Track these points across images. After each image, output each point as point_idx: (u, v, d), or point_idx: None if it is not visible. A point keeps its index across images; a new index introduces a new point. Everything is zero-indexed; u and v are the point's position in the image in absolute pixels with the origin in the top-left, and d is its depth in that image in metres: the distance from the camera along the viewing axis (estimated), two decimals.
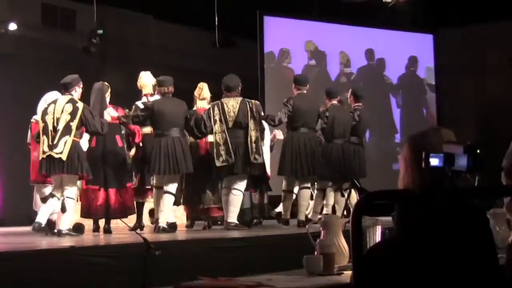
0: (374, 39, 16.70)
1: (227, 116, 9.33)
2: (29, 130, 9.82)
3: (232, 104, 9.39)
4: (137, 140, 9.81)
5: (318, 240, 3.99)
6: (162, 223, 9.10)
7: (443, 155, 2.81)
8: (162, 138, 9.18)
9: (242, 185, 9.46)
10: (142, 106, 9.59)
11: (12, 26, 15.05)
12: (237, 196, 9.39)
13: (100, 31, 14.16)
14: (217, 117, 9.32)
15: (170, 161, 9.06)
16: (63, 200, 8.71)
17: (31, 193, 13.44)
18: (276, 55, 15.88)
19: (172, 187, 9.25)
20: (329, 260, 3.84)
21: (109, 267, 6.01)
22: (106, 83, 9.96)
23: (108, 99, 9.80)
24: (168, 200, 9.19)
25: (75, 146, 8.72)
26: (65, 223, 8.70)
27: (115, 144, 9.69)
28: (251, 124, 9.38)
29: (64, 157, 8.56)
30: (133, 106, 9.86)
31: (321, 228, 4.22)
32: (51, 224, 9.12)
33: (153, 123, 9.40)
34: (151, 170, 9.26)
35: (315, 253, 3.94)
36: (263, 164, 9.71)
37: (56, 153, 8.57)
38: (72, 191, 8.85)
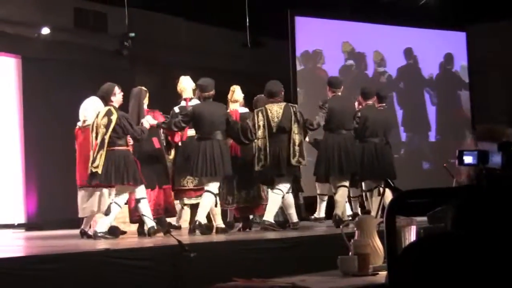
0: (407, 38, 16.63)
1: (271, 122, 9.55)
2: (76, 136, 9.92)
3: (276, 109, 9.60)
4: (176, 139, 9.90)
5: (352, 241, 3.98)
6: (199, 218, 9.16)
7: (477, 152, 2.79)
8: (202, 141, 9.33)
9: (284, 186, 9.59)
10: (178, 111, 9.63)
11: (45, 30, 15.18)
12: (277, 195, 9.54)
13: (132, 34, 14.25)
14: (261, 123, 9.54)
15: (209, 164, 9.18)
16: (110, 203, 8.97)
17: (63, 197, 13.60)
18: (308, 56, 15.81)
19: (213, 186, 9.32)
20: (363, 260, 3.83)
21: (144, 270, 6.03)
22: (143, 87, 10.05)
23: (146, 103, 9.90)
24: (207, 198, 9.26)
25: (119, 156, 8.94)
26: (102, 226, 8.81)
27: (152, 145, 9.80)
28: (295, 128, 9.57)
29: (99, 170, 8.75)
30: (171, 112, 9.96)
31: (355, 228, 4.20)
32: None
33: (194, 126, 9.54)
34: (192, 172, 9.39)
35: (350, 253, 3.93)
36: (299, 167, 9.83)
37: (94, 167, 8.79)
38: (122, 199, 9.06)
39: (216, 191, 9.35)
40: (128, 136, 9.12)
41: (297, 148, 9.50)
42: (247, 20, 14.48)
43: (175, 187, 9.94)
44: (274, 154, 9.48)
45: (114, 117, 8.97)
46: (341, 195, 10.09)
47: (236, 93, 10.34)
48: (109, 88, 9.26)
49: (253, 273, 4.68)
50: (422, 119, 16.79)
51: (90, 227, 9.69)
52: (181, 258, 5.49)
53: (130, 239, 9.19)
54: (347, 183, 10.20)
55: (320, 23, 15.98)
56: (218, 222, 9.56)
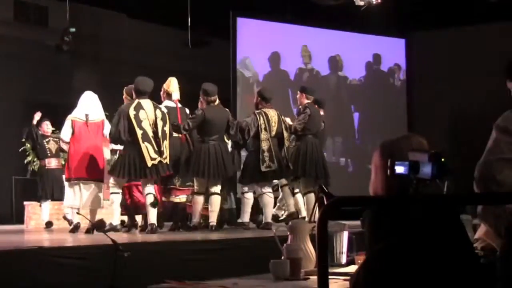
0: (341, 42, 16.80)
1: (271, 126, 9.95)
2: (70, 128, 9.71)
3: (272, 114, 10.04)
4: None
5: (285, 245, 4.00)
6: (214, 222, 9.51)
7: (408, 163, 2.83)
8: (207, 144, 9.58)
9: (270, 188, 10.13)
10: (166, 110, 9.61)
11: None
12: (271, 198, 10.06)
13: (73, 29, 14.09)
14: (262, 126, 9.88)
15: (217, 166, 9.52)
16: (154, 196, 9.15)
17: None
18: (249, 58, 15.84)
19: (218, 188, 9.69)
20: (296, 265, 3.84)
21: (77, 268, 5.99)
22: None
23: None
24: (217, 200, 9.61)
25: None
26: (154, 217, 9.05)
27: (180, 140, 10.00)
28: (286, 134, 10.13)
29: (168, 161, 9.12)
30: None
31: (288, 233, 4.23)
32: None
33: (199, 129, 9.66)
34: (199, 174, 9.52)
35: (282, 257, 3.94)
36: None
37: (164, 158, 9.02)
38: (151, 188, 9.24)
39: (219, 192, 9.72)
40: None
41: (285, 153, 10.11)
42: (189, 19, 14.42)
43: (168, 185, 10.00)
44: (277, 157, 9.92)
45: (164, 110, 9.32)
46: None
47: (172, 84, 10.29)
48: (150, 82, 9.32)
49: (187, 274, 4.69)
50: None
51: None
52: (115, 257, 5.46)
53: (65, 236, 9.13)
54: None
55: (259, 25, 16.03)
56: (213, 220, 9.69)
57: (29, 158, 13.27)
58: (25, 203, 13.13)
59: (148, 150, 8.95)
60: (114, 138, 9.12)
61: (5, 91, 15.36)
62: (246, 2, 15.09)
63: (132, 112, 8.98)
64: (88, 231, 9.20)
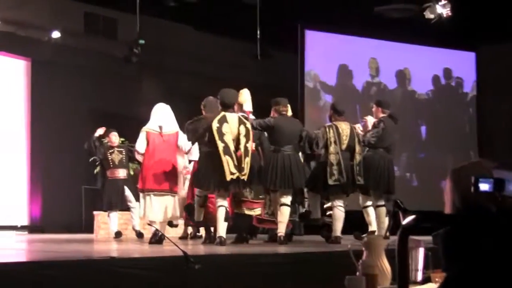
0: (415, 55, 16.68)
1: (341, 139, 9.85)
2: (145, 139, 9.79)
3: (343, 127, 9.92)
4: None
5: (361, 261, 3.95)
6: (282, 233, 9.38)
7: (493, 180, 2.78)
8: (278, 153, 9.58)
9: (342, 202, 9.99)
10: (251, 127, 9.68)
11: (55, 34, 15.24)
12: (342, 212, 9.88)
13: (142, 41, 14.21)
14: (332, 139, 9.79)
15: (285, 176, 9.50)
16: (226, 209, 9.06)
17: (67, 200, 13.55)
18: (317, 71, 15.83)
19: (288, 200, 9.58)
20: (371, 281, 3.80)
21: (147, 280, 6.00)
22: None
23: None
24: (286, 211, 9.52)
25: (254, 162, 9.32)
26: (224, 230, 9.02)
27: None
28: (358, 148, 9.96)
29: (246, 178, 8.97)
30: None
31: (363, 248, 4.18)
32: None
33: (271, 139, 9.71)
34: (268, 184, 9.56)
35: (357, 273, 3.90)
36: None
37: (242, 175, 8.92)
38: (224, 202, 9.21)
39: (289, 203, 9.63)
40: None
41: (357, 167, 9.92)
42: (258, 31, 14.44)
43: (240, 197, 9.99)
44: (346, 170, 9.80)
45: (249, 126, 9.16)
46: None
47: (244, 95, 10.31)
48: (235, 94, 9.34)
49: None
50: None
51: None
52: (186, 269, 5.46)
53: (134, 247, 9.18)
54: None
55: (328, 37, 16.01)
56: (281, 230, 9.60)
57: (98, 168, 13.41)
58: (94, 212, 13.30)
59: (228, 164, 8.87)
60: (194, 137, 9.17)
61: (74, 102, 15.60)
62: (314, 14, 15.06)
63: (215, 125, 8.88)
64: (158, 242, 9.24)
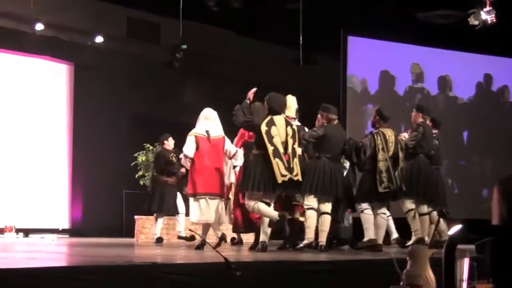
0: (457, 62, 16.54)
1: (388, 145, 9.80)
2: (194, 143, 9.75)
3: (389, 134, 9.87)
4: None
5: (405, 270, 3.90)
6: (323, 242, 9.32)
7: None
8: (322, 161, 9.54)
9: (385, 209, 9.93)
10: (296, 128, 9.66)
11: (99, 39, 15.35)
12: (385, 220, 9.90)
13: (185, 46, 14.24)
14: (380, 146, 9.73)
15: (329, 184, 9.46)
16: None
17: (108, 204, 13.55)
18: (359, 76, 15.77)
19: (328, 208, 9.55)
20: None
21: (188, 285, 5.99)
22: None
23: None
24: (327, 220, 9.48)
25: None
26: (266, 236, 9.03)
27: None
28: (401, 155, 9.90)
29: (300, 178, 9.00)
30: None
31: (407, 258, 4.13)
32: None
33: (316, 145, 9.67)
34: (311, 191, 9.48)
35: (401, 283, 3.85)
36: None
37: (295, 176, 8.93)
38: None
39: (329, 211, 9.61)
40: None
41: (400, 173, 9.84)
42: (301, 37, 14.41)
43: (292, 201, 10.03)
44: (394, 177, 9.76)
45: (295, 127, 9.22)
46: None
47: (288, 100, 10.29)
48: (284, 100, 9.41)
49: None
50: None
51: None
52: (227, 276, 5.44)
53: (175, 252, 9.19)
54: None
55: (371, 43, 15.94)
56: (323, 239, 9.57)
57: (140, 173, 13.43)
58: (135, 217, 13.32)
59: (279, 167, 8.88)
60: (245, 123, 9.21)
61: (116, 106, 15.70)
62: (357, 20, 15.01)
63: (264, 128, 8.93)
64: (198, 247, 9.24)
